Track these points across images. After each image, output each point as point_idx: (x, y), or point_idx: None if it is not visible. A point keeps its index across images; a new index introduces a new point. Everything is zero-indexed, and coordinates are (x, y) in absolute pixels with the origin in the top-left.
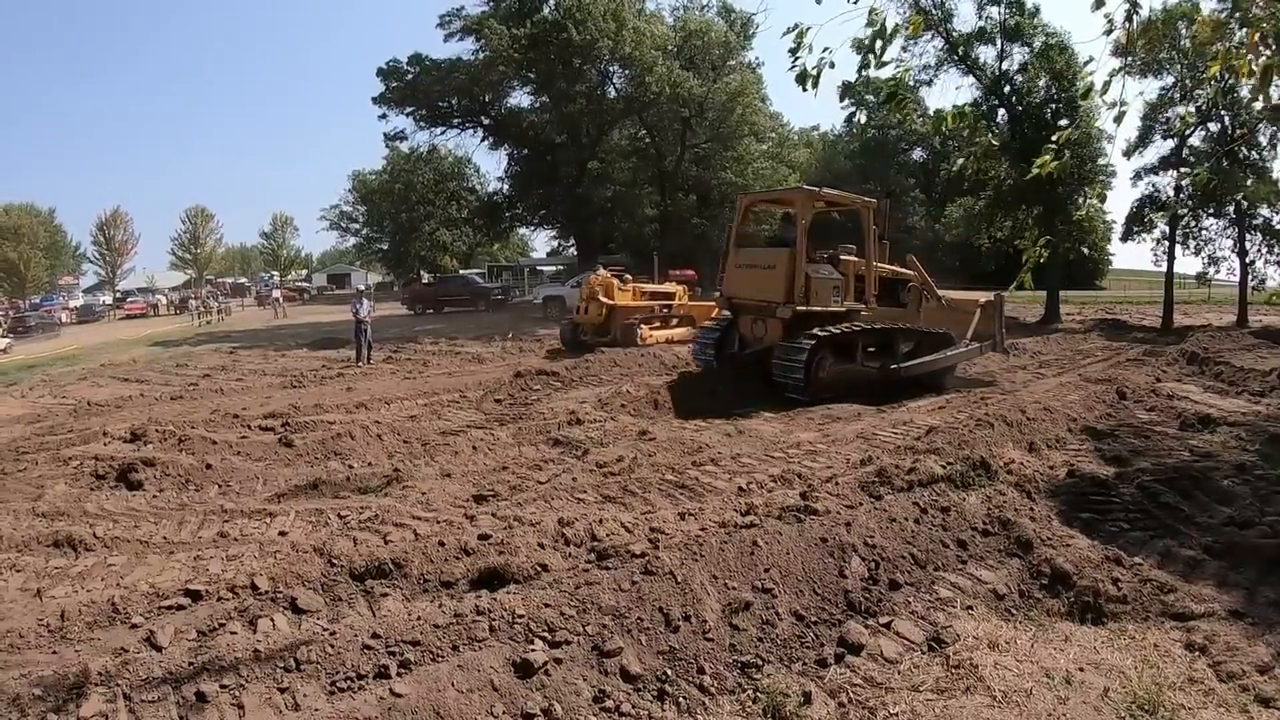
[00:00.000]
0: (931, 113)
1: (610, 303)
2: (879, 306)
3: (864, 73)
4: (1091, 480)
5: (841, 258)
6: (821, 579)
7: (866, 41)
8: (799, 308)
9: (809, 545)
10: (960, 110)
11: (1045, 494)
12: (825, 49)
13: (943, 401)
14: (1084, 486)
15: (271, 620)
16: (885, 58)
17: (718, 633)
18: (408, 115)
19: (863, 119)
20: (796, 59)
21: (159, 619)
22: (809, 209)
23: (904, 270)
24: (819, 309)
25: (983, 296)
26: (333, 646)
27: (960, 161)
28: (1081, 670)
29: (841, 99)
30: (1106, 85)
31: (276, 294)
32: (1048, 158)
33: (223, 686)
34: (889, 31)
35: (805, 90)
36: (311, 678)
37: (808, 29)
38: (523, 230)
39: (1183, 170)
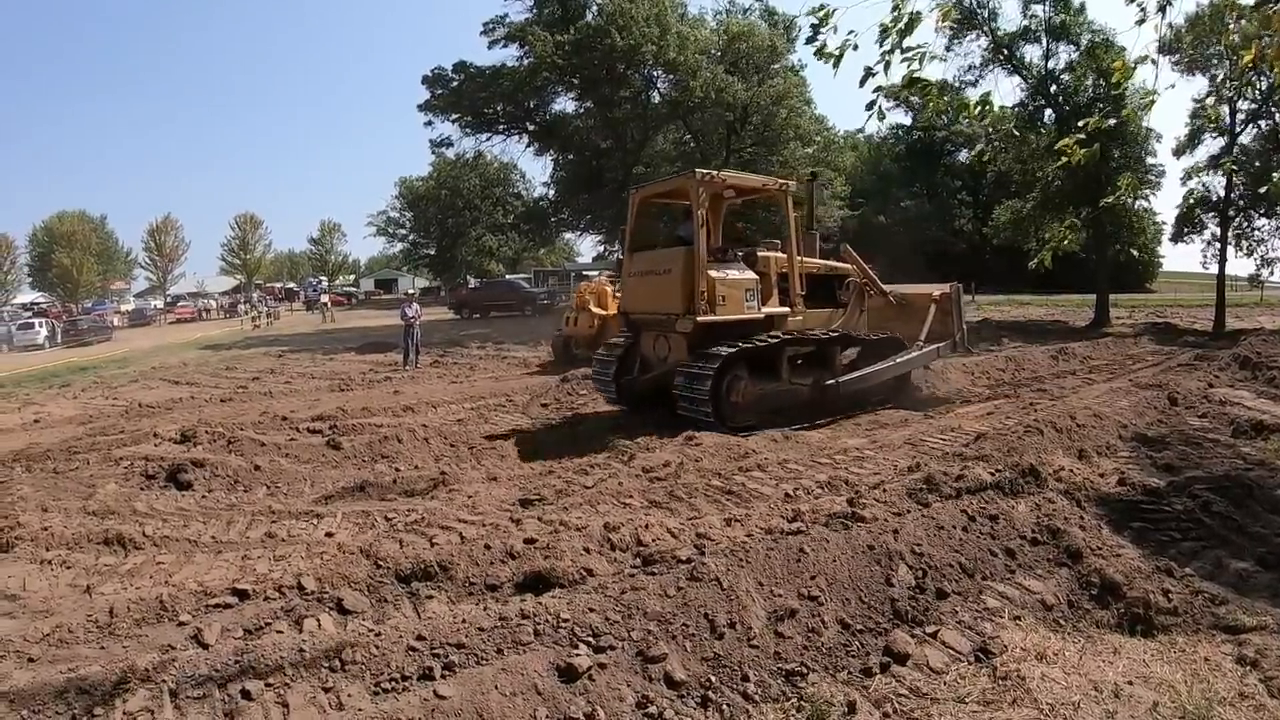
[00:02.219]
0: (958, 102)
1: (603, 313)
2: (810, 309)
3: (887, 58)
4: (1142, 488)
5: (760, 254)
6: (868, 587)
7: (889, 25)
8: (701, 318)
9: (856, 553)
10: (985, 99)
11: (1095, 502)
12: (850, 31)
13: (991, 407)
14: (1134, 495)
15: (317, 620)
16: (911, 43)
17: (763, 640)
18: (453, 122)
19: (897, 118)
20: (819, 34)
21: (206, 617)
22: (705, 196)
23: (840, 264)
24: (729, 318)
25: (937, 289)
26: (378, 647)
27: (979, 147)
28: (1130, 683)
29: (861, 84)
30: (1131, 71)
31: (324, 299)
32: (1069, 141)
33: (267, 685)
34: (910, 20)
35: (823, 64)
36: (356, 678)
37: (833, 10)
38: (569, 235)
39: (1194, 168)
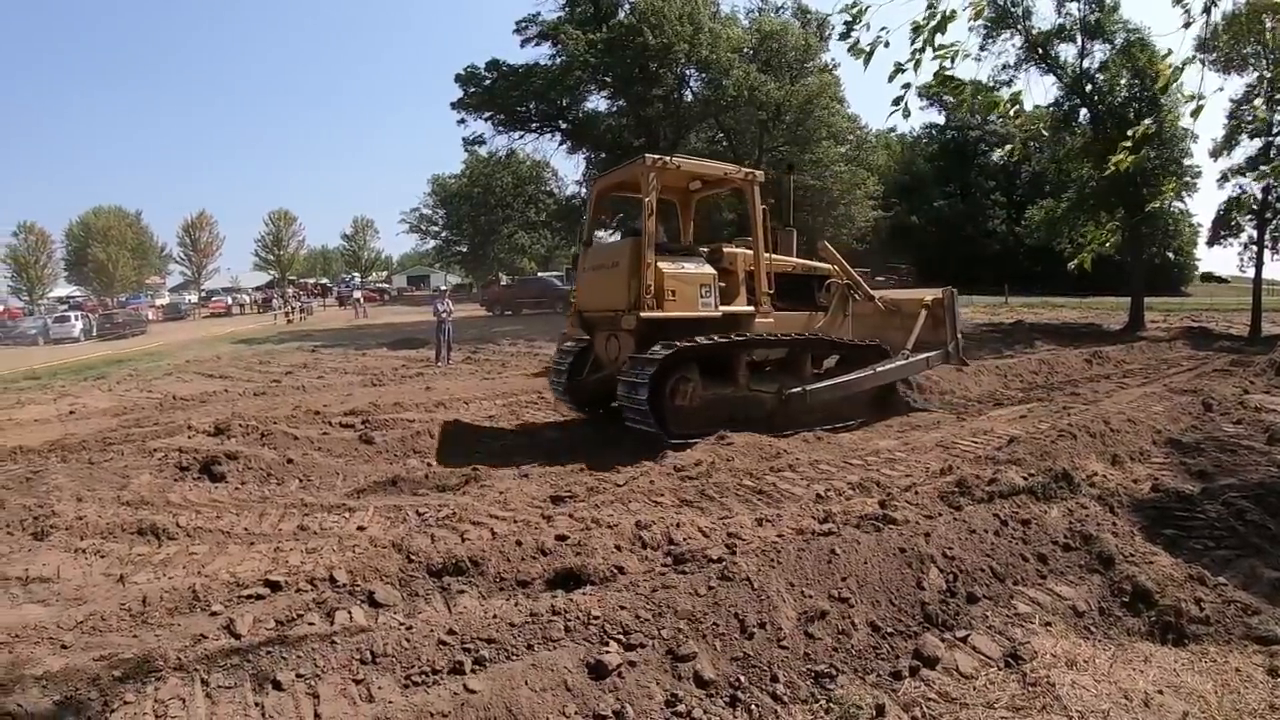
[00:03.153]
0: (988, 99)
1: None
2: (785, 311)
3: (918, 55)
4: (1176, 495)
5: (726, 250)
6: (899, 590)
7: (922, 23)
8: (645, 314)
9: (887, 555)
10: (1016, 96)
11: (1128, 508)
12: (882, 28)
13: (1024, 410)
14: (1168, 501)
15: (349, 613)
16: (946, 40)
17: (792, 641)
18: (486, 120)
19: (929, 117)
20: (852, 31)
21: (238, 607)
22: (656, 183)
23: (820, 264)
24: (680, 315)
25: (929, 294)
26: (409, 641)
27: (1009, 147)
28: (1160, 692)
29: (890, 79)
30: (1177, 74)
31: (357, 295)
32: (1123, 156)
33: (299, 675)
34: (944, 18)
35: (855, 59)
36: (387, 671)
37: (866, 7)
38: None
39: (1231, 169)
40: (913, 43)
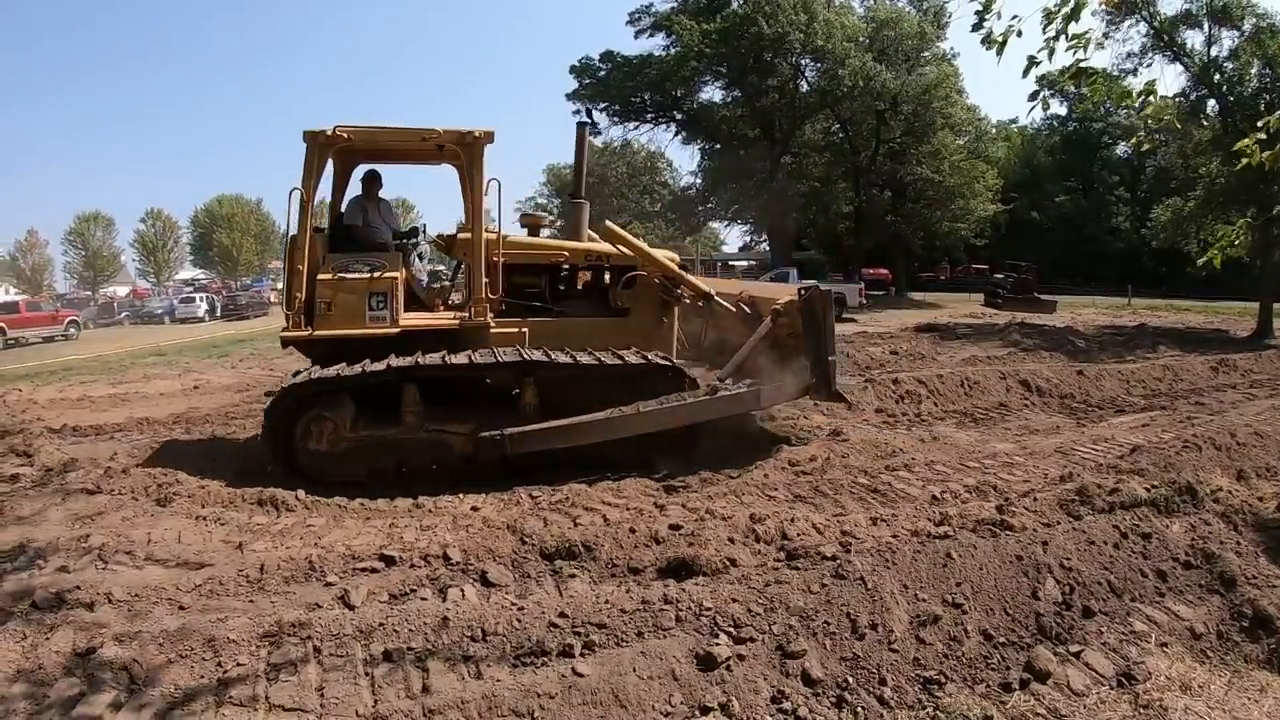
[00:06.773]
0: (1118, 90)
1: None
2: (567, 315)
3: (1052, 44)
4: None
5: (462, 236)
6: (1013, 599)
7: (1054, 10)
8: (286, 334)
9: (1003, 562)
10: (1150, 86)
11: (1252, 527)
12: (1014, 16)
13: (1147, 419)
14: None
15: (461, 590)
16: (1076, 29)
17: (903, 644)
18: (601, 110)
19: (1053, 108)
20: (984, 20)
21: (353, 579)
22: (322, 156)
23: (602, 246)
24: (331, 334)
25: (785, 294)
26: (519, 621)
27: (1137, 137)
28: None
29: (1025, 74)
30: None
31: None
32: (1251, 142)
33: (410, 649)
34: (1077, 5)
35: (988, 50)
36: (496, 650)
37: None
38: (715, 225)
39: None
40: (1044, 30)
